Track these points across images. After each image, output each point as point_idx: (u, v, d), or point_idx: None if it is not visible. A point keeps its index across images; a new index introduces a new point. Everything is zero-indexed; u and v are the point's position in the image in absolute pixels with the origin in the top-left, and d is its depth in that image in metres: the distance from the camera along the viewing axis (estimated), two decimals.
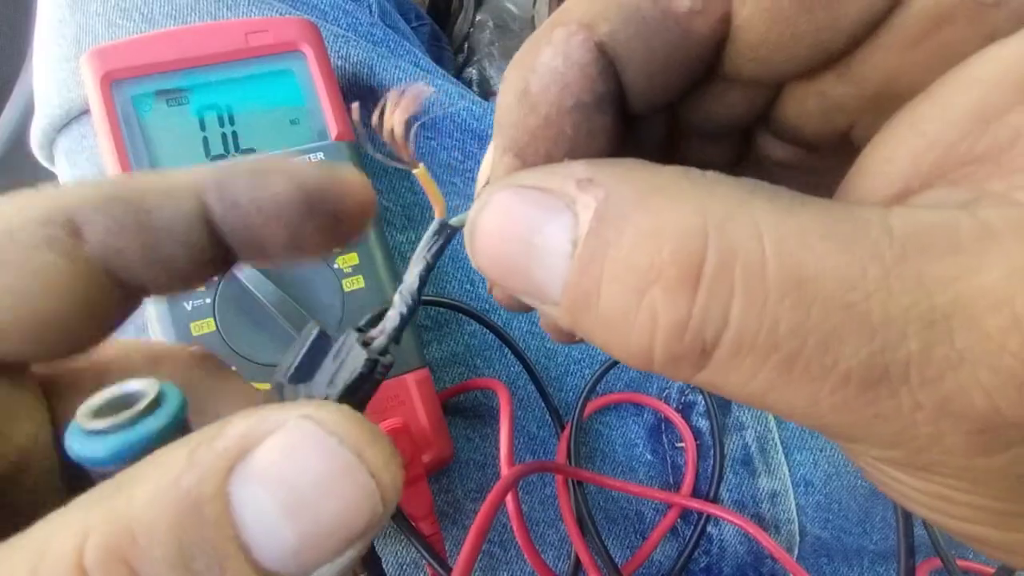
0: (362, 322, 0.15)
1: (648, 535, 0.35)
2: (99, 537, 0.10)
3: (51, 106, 0.37)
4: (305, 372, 0.14)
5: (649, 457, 0.38)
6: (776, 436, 0.39)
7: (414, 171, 0.15)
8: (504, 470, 0.29)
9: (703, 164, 0.12)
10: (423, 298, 0.23)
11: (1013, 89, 0.10)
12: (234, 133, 0.33)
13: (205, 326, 0.30)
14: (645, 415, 0.39)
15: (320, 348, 0.14)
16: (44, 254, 0.13)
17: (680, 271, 0.10)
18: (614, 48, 0.13)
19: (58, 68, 0.37)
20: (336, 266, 0.33)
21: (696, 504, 0.35)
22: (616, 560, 0.31)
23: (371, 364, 0.13)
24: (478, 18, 0.82)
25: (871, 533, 0.39)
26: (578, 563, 0.32)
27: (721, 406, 0.39)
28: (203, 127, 0.33)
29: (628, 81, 0.13)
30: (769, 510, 0.38)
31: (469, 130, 0.40)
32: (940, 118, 0.11)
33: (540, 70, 0.13)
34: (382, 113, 0.14)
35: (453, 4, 0.82)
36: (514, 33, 0.82)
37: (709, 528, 0.37)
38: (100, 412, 0.11)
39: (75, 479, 0.13)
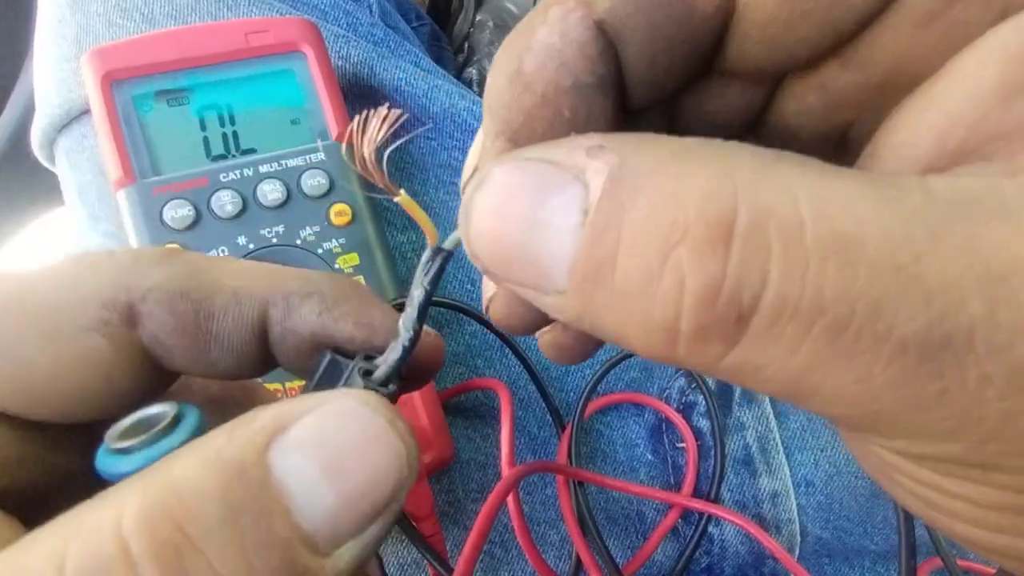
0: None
1: (649, 535, 0.35)
2: (138, 504, 0.10)
3: (51, 106, 0.37)
4: None
5: (650, 457, 0.38)
6: (777, 436, 0.39)
7: (395, 199, 0.14)
8: (505, 470, 0.29)
9: None
10: None
11: None
12: (235, 133, 0.33)
13: None
14: (646, 415, 0.39)
15: (331, 376, 0.15)
16: (94, 338, 0.13)
17: (709, 229, 0.09)
18: (614, 26, 0.12)
19: (58, 68, 0.37)
20: (337, 266, 0.33)
21: (697, 504, 0.35)
22: (617, 560, 0.31)
23: None
24: (478, 18, 0.82)
25: (872, 533, 0.39)
26: (579, 563, 0.32)
27: (722, 406, 0.39)
28: (204, 127, 0.33)
29: (628, 64, 0.12)
30: (770, 510, 0.38)
31: (469, 130, 0.39)
32: (963, 96, 0.10)
33: (535, 47, 0.12)
34: (351, 139, 0.13)
35: (453, 4, 0.82)
36: None
37: (710, 528, 0.37)
38: (126, 434, 0.12)
39: None
